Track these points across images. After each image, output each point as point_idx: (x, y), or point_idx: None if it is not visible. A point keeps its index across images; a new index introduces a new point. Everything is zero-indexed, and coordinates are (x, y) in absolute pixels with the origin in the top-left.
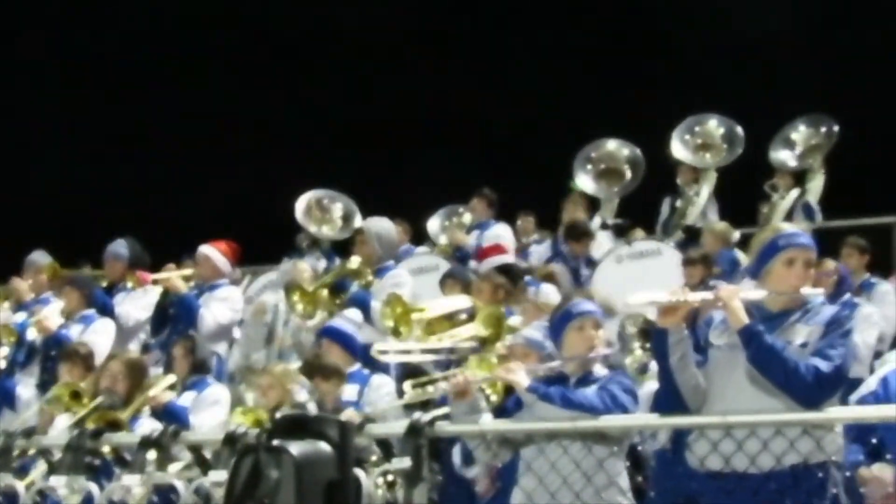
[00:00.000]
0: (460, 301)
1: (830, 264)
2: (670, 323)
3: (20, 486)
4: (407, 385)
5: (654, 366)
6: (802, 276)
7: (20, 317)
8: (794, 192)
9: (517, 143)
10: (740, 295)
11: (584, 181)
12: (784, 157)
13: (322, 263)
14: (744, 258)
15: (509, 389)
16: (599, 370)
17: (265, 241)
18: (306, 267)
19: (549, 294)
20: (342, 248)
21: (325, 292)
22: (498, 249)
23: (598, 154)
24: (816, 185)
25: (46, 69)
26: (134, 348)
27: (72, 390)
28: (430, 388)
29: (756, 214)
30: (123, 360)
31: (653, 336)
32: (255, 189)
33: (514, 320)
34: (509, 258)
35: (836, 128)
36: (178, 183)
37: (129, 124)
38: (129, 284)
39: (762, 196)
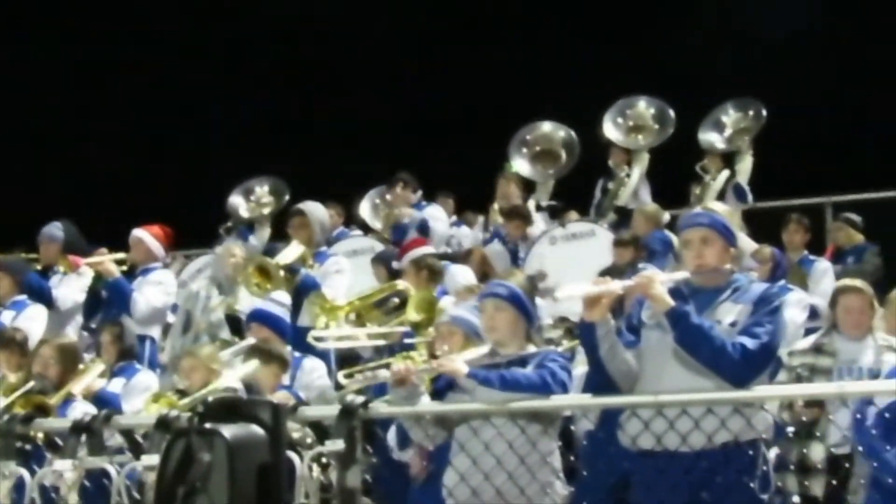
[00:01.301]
0: (389, 285)
1: (766, 251)
2: (596, 316)
3: None
4: (341, 377)
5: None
6: (700, 255)
7: None
8: (725, 174)
9: (439, 126)
10: (660, 278)
11: (520, 164)
12: (713, 139)
13: (253, 244)
14: (676, 239)
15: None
16: (531, 348)
17: (199, 225)
18: (237, 249)
19: (457, 276)
20: (277, 231)
21: (281, 273)
22: (418, 242)
23: (534, 136)
24: (745, 166)
25: None
26: (72, 331)
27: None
28: (368, 374)
29: (687, 195)
30: (54, 344)
31: (580, 330)
32: (189, 173)
33: (446, 301)
34: (430, 249)
35: (763, 111)
36: (111, 166)
37: (61, 108)
38: (61, 269)
39: (693, 177)
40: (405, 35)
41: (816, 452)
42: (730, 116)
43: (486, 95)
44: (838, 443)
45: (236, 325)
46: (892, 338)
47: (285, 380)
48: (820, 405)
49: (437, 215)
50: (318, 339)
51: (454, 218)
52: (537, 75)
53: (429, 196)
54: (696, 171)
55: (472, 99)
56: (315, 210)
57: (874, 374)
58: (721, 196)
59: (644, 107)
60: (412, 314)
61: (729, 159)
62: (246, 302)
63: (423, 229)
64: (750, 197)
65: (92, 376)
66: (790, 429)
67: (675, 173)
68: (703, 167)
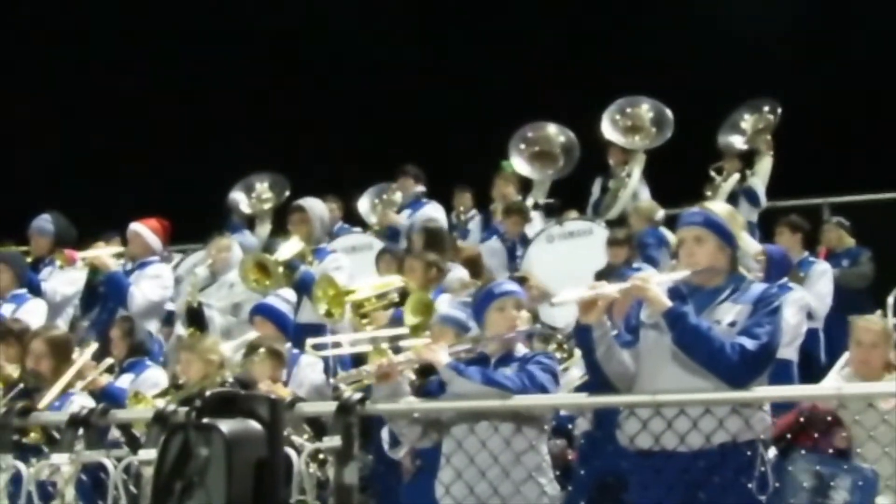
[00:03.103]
0: (391, 280)
1: (758, 249)
2: (592, 319)
3: None
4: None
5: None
6: (694, 253)
7: None
8: (736, 177)
9: (448, 120)
10: (655, 280)
11: (518, 162)
12: (733, 140)
13: (248, 239)
14: (671, 236)
15: (429, 371)
16: (521, 349)
17: (196, 219)
18: (228, 243)
19: (452, 274)
20: (278, 227)
21: (280, 269)
22: None
23: (535, 135)
24: (764, 167)
25: None
26: (62, 324)
27: (3, 378)
28: (353, 373)
29: (691, 195)
30: (46, 338)
31: (576, 332)
32: (187, 167)
33: (441, 299)
34: None
35: (778, 107)
36: (108, 159)
37: (59, 97)
38: (58, 263)
39: (706, 178)
40: (413, 27)
41: None
42: (746, 121)
43: (500, 89)
44: None
45: (198, 317)
46: None
47: (282, 376)
48: None
49: (431, 215)
50: (317, 346)
51: (473, 211)
52: (535, 68)
53: (446, 189)
54: (708, 173)
55: (486, 93)
56: (315, 206)
57: None
58: (733, 199)
59: (645, 108)
60: (409, 318)
61: (746, 161)
62: (216, 295)
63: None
64: (763, 201)
65: (98, 371)
66: None
67: (677, 172)
68: (717, 168)
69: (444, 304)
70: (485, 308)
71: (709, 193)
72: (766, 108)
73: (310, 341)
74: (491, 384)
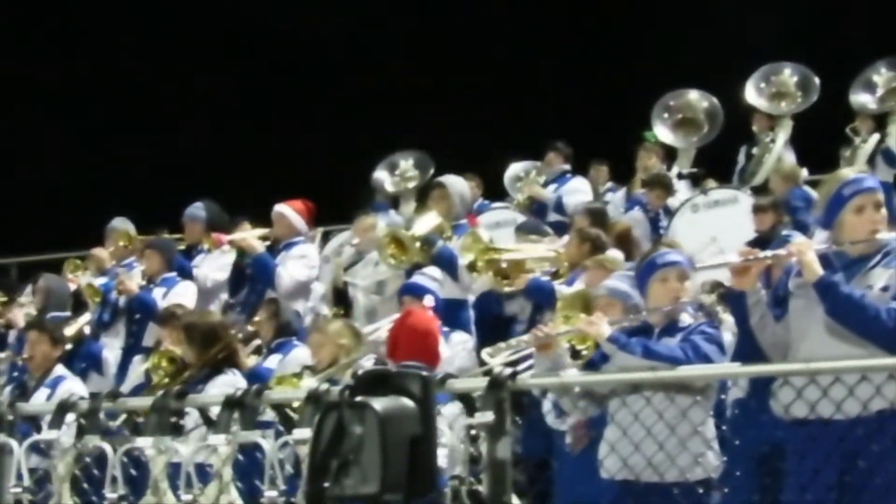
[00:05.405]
0: (543, 251)
1: None
2: (745, 285)
3: (108, 447)
4: (485, 354)
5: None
6: (875, 220)
7: (103, 281)
8: (875, 137)
9: (588, 92)
10: (813, 247)
11: (661, 131)
12: (864, 100)
13: (394, 218)
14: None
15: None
16: (686, 319)
17: (341, 200)
18: (373, 222)
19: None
20: (423, 204)
21: (417, 244)
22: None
23: (677, 103)
24: None
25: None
26: (215, 309)
27: (169, 357)
28: (513, 343)
29: (833, 160)
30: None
31: (731, 299)
32: (331, 148)
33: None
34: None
35: None
36: (254, 142)
37: (201, 88)
38: (205, 246)
39: (844, 140)
40: (549, 12)
41: None
42: (882, 76)
43: (637, 62)
44: None
45: (343, 297)
46: None
47: None
48: None
49: (579, 188)
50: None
51: (609, 184)
52: (684, 40)
53: (583, 164)
54: (845, 134)
55: (623, 67)
56: (455, 183)
57: None
58: (870, 160)
59: (788, 73)
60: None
61: (880, 120)
62: (361, 273)
63: (559, 208)
64: None
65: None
66: None
67: (819, 137)
68: (853, 129)
69: (613, 277)
70: (647, 279)
71: (847, 155)
72: None
73: (486, 350)
74: (652, 357)
